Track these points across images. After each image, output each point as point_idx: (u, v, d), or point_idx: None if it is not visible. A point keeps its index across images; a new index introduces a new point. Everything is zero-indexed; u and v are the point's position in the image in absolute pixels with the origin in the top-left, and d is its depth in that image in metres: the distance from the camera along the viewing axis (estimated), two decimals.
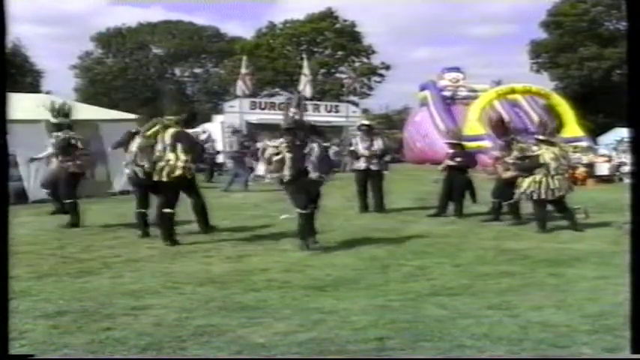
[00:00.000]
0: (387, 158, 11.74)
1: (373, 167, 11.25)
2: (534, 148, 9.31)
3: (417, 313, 4.72)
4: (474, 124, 25.70)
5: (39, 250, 7.41)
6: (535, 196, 8.94)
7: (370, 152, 11.24)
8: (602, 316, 4.56)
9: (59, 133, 9.65)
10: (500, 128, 10.50)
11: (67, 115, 9.88)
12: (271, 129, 20.68)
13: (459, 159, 10.76)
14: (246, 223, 9.88)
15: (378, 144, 11.40)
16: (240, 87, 25.72)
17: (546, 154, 8.95)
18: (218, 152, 20.65)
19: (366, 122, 12.08)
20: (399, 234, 8.75)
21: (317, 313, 4.72)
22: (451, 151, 11.07)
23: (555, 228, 9.05)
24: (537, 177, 8.90)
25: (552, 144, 9.15)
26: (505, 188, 9.92)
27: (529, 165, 9.07)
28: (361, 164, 11.36)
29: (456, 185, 10.69)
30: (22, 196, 12.39)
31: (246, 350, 3.95)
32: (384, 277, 6.08)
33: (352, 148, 11.74)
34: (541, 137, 9.23)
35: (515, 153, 9.82)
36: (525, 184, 9.02)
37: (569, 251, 7.46)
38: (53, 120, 9.85)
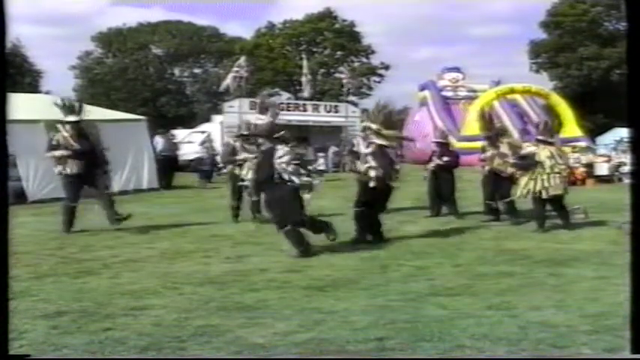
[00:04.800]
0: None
1: None
2: (526, 145, 9.38)
3: (417, 313, 4.71)
4: (473, 124, 25.71)
5: (38, 250, 7.40)
6: (530, 194, 9.00)
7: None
8: (602, 316, 4.55)
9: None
10: (487, 123, 10.52)
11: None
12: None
13: (446, 158, 10.81)
14: (245, 222, 9.87)
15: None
16: (231, 84, 25.44)
17: (542, 152, 9.00)
18: (216, 153, 20.59)
19: None
20: (399, 234, 8.74)
21: (317, 313, 4.72)
22: (438, 150, 11.11)
23: (555, 228, 9.06)
24: (532, 175, 8.96)
25: (549, 143, 9.21)
26: (498, 187, 9.93)
27: (526, 163, 9.14)
28: None
29: (445, 185, 10.72)
30: (21, 196, 12.39)
31: (246, 350, 3.95)
32: (384, 277, 6.08)
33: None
34: (539, 137, 9.31)
35: (503, 148, 9.85)
36: (523, 182, 9.09)
37: (568, 251, 7.45)
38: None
